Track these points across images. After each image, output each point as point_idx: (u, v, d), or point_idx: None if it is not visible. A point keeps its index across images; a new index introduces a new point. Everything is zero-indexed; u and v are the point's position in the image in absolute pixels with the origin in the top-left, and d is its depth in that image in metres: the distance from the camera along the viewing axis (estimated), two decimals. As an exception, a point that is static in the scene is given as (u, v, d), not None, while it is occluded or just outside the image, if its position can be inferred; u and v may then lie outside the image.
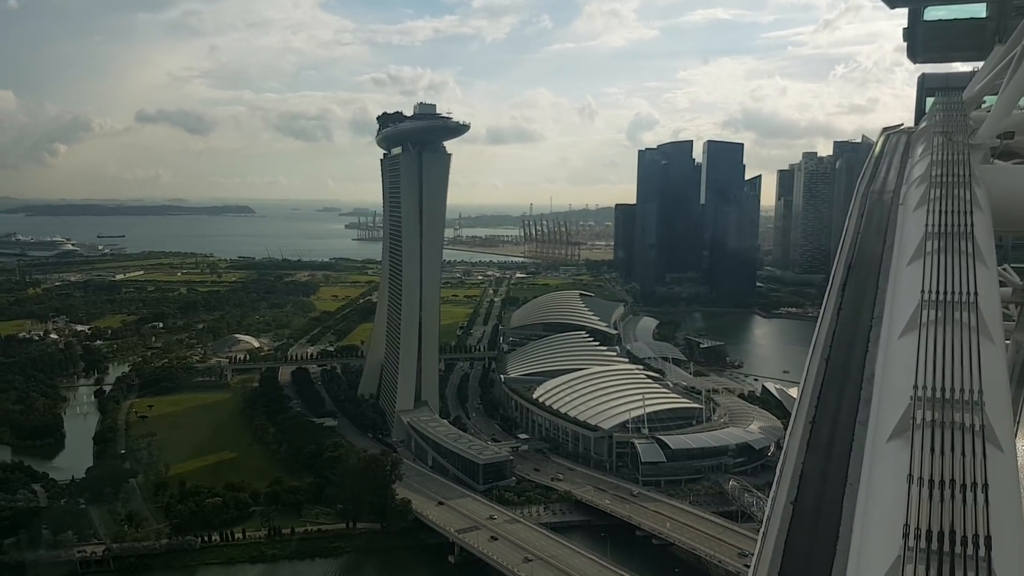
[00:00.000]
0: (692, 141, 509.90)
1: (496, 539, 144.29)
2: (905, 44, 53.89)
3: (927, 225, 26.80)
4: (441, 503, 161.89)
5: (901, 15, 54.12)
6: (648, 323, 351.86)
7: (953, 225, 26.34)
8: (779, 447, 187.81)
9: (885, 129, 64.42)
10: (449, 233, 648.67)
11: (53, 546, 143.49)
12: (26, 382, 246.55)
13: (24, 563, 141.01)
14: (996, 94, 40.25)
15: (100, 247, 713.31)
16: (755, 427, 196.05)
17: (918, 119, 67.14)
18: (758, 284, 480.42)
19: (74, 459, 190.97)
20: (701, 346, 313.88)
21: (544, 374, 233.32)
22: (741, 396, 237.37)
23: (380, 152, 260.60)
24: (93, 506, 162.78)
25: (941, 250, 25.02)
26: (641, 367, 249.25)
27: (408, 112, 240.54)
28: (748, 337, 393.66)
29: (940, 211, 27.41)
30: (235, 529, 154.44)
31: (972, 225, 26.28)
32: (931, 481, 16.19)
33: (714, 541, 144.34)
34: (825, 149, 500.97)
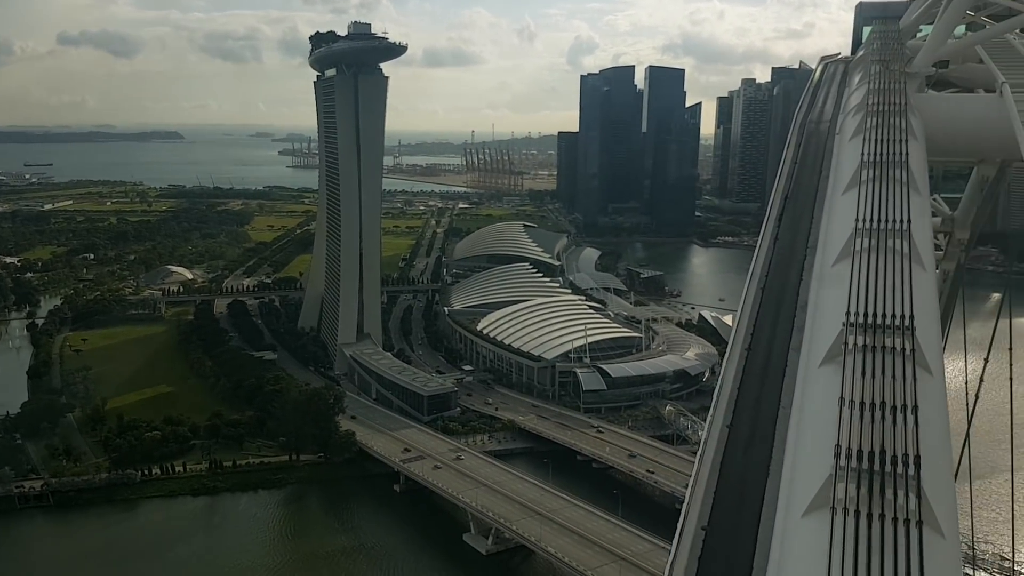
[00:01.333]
0: (634, 67, 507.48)
1: (440, 468, 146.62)
2: None
3: (863, 154, 26.85)
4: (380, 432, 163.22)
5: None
6: (591, 254, 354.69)
7: (888, 154, 26.47)
8: (714, 373, 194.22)
9: (823, 58, 64.56)
10: (388, 161, 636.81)
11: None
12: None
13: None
14: (932, 23, 40.19)
15: (27, 176, 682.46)
16: (691, 354, 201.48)
17: (855, 48, 67.38)
18: (697, 214, 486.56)
19: (8, 394, 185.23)
20: (641, 276, 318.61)
21: (488, 306, 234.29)
22: (679, 324, 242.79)
23: (313, 75, 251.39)
24: (30, 441, 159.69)
25: (876, 179, 25.17)
26: (583, 298, 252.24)
27: (342, 32, 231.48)
28: (686, 267, 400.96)
29: (876, 140, 27.54)
30: (175, 463, 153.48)
31: (907, 154, 26.43)
32: (862, 403, 16.49)
33: (650, 463, 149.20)
34: (763, 75, 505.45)
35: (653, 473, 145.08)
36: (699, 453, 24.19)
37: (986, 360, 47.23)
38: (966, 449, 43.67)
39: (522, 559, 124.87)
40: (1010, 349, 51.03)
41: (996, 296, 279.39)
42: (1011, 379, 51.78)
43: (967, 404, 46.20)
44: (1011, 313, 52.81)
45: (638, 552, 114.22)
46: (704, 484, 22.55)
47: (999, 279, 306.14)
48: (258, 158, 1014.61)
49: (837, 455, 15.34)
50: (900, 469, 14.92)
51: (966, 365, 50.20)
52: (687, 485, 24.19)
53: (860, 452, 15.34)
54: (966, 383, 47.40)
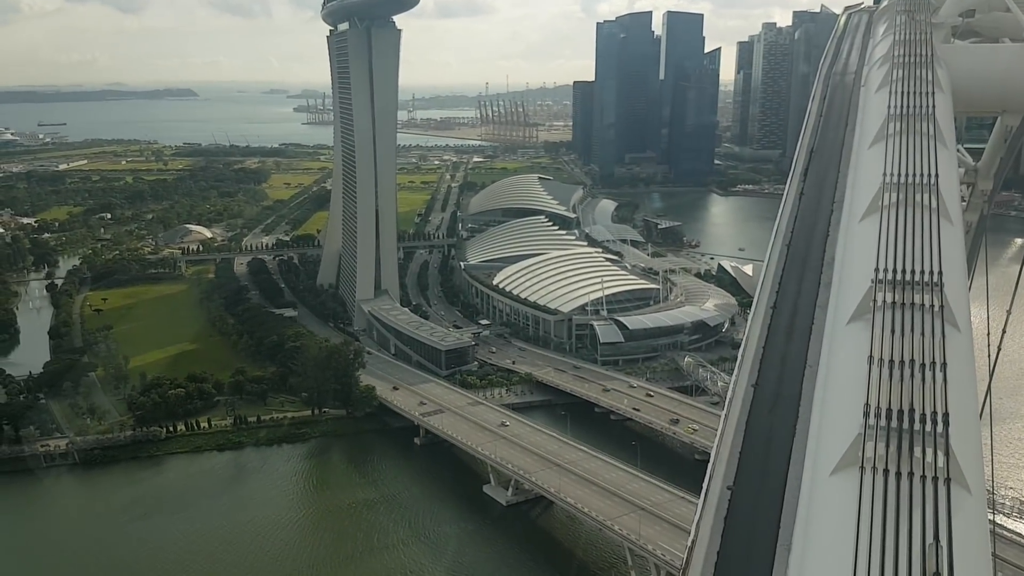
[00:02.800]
0: (651, 12, 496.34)
1: (458, 419, 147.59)
2: None
3: (889, 107, 26.37)
4: (396, 388, 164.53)
5: None
6: (607, 205, 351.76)
7: (915, 107, 25.94)
8: (734, 323, 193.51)
9: (847, 8, 62.63)
10: (403, 116, 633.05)
11: (15, 441, 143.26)
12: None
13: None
14: None
15: (41, 136, 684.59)
16: (710, 305, 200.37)
17: None
18: (716, 162, 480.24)
19: (30, 354, 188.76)
20: (659, 227, 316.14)
21: (504, 260, 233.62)
22: (697, 275, 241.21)
23: (326, 29, 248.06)
24: (53, 401, 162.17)
25: (903, 132, 24.71)
26: (600, 250, 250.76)
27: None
28: (705, 216, 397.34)
29: (902, 92, 26.99)
30: (200, 419, 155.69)
31: (934, 107, 25.88)
32: (891, 361, 16.40)
33: (667, 414, 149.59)
34: (783, 19, 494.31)
35: (674, 422, 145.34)
36: (724, 413, 24.18)
37: (1009, 312, 46.54)
38: (987, 401, 43.36)
39: (542, 509, 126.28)
40: None
41: (1020, 241, 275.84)
42: None
43: (989, 355, 45.65)
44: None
45: (657, 502, 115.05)
46: (729, 444, 22.48)
47: (1022, 224, 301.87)
48: (273, 115, 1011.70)
49: (866, 414, 15.27)
50: (928, 427, 14.83)
51: (988, 317, 49.39)
52: (713, 446, 24.03)
53: (889, 411, 15.24)
54: (988, 334, 46.81)
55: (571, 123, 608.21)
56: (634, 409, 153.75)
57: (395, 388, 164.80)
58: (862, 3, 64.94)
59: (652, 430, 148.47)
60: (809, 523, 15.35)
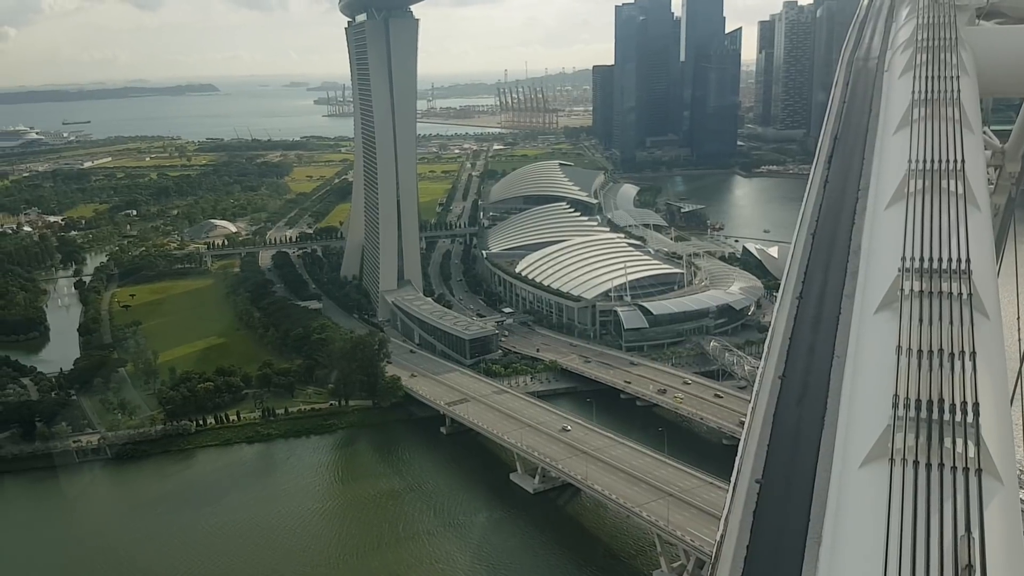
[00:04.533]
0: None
1: (487, 409, 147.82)
2: None
3: (913, 92, 26.15)
4: (413, 375, 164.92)
5: None
6: (629, 190, 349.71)
7: (940, 91, 25.68)
8: (759, 307, 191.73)
9: None
10: (422, 105, 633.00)
11: (47, 438, 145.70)
12: (3, 277, 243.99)
13: (21, 455, 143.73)
14: None
15: (65, 134, 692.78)
16: (735, 288, 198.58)
17: None
18: (739, 143, 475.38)
19: (60, 351, 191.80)
20: (682, 210, 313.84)
21: (526, 248, 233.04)
22: (722, 258, 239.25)
23: (344, 21, 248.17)
24: (84, 396, 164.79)
25: (927, 117, 24.50)
26: (623, 235, 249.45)
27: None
28: (729, 198, 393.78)
29: (926, 77, 26.74)
30: (229, 412, 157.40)
31: (959, 91, 25.63)
32: (919, 351, 16.23)
33: (695, 400, 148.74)
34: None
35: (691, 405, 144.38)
36: (751, 405, 24.12)
37: None
38: (1017, 387, 42.76)
39: (570, 496, 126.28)
40: None
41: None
42: None
43: (1020, 340, 44.89)
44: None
45: (686, 488, 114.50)
46: (757, 437, 22.34)
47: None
48: (294, 108, 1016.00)
49: (895, 405, 15.08)
50: (959, 417, 14.66)
51: (1018, 304, 48.41)
52: (741, 437, 23.92)
53: (918, 401, 15.08)
54: (1018, 318, 45.94)
55: (591, 108, 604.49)
56: (659, 393, 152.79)
57: (412, 375, 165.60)
58: None
59: (680, 416, 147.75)
60: (839, 516, 15.29)
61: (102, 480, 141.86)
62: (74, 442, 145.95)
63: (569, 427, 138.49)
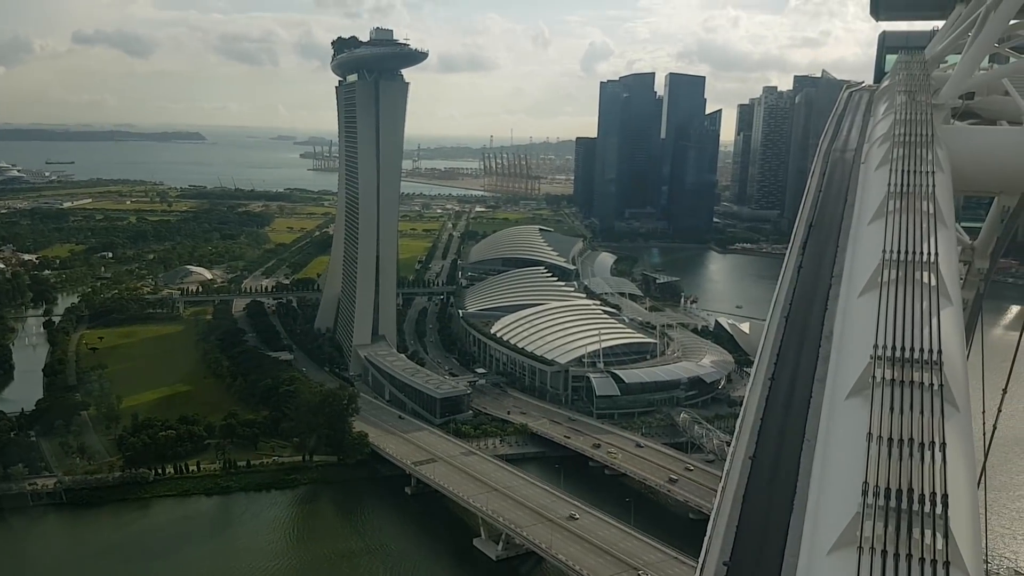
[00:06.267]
0: (654, 74, 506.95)
1: (453, 470, 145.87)
2: (868, 1, 53.63)
3: (889, 184, 26.51)
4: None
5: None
6: (606, 258, 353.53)
7: (915, 185, 26.13)
8: (730, 380, 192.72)
9: (848, 86, 64.65)
10: (407, 165, 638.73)
11: (3, 479, 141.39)
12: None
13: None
14: (958, 54, 39.86)
15: (48, 174, 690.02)
16: (707, 361, 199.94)
17: (878, 77, 67.19)
18: (715, 220, 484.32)
19: (24, 391, 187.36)
20: (657, 281, 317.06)
21: (502, 309, 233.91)
22: (695, 331, 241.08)
23: (334, 79, 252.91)
24: (44, 439, 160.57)
25: (903, 210, 24.79)
26: (598, 302, 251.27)
27: (363, 37, 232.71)
28: (703, 272, 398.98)
29: (902, 171, 27.17)
30: (189, 462, 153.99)
31: (934, 186, 26.07)
32: (890, 440, 16.19)
33: (663, 471, 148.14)
34: (780, 82, 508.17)
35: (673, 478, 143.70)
36: (720, 485, 23.96)
37: (1004, 391, 46.64)
38: (983, 480, 43.32)
39: (532, 565, 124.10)
40: None
41: (1016, 308, 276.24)
42: None
43: (984, 434, 45.62)
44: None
45: (650, 562, 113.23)
46: (727, 517, 22.15)
47: (1020, 290, 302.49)
48: (279, 160, 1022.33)
49: (865, 492, 15.08)
50: (928, 508, 14.64)
51: (983, 395, 49.58)
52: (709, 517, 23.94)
53: (888, 490, 15.07)
54: (983, 412, 46.92)
55: (573, 177, 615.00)
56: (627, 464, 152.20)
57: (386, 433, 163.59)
58: (863, 82, 66.83)
59: (647, 487, 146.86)
60: None
61: (53, 526, 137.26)
62: (29, 484, 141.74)
63: (577, 515, 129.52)
